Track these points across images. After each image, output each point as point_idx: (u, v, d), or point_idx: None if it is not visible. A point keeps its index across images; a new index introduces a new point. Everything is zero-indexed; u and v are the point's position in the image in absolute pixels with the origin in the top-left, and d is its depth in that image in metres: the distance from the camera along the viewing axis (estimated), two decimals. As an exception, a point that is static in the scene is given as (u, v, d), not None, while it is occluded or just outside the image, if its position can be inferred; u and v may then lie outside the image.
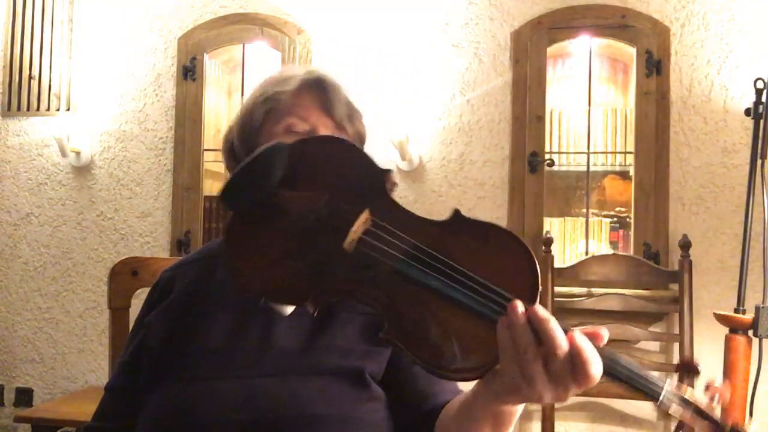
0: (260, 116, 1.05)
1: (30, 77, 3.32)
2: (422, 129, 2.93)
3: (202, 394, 0.92)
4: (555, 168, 2.96)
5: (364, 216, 0.76)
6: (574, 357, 0.64)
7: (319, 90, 1.04)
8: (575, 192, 3.10)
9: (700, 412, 0.68)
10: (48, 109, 3.30)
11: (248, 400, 0.92)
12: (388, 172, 0.80)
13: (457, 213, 0.78)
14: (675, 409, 0.67)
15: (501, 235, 0.73)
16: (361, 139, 1.10)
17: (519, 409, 0.80)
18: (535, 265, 0.70)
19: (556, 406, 2.51)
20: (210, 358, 0.95)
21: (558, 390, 0.66)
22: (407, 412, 0.97)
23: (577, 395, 2.42)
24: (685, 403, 0.68)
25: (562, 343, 0.64)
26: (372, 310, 0.73)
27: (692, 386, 0.68)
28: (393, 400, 0.98)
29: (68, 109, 3.28)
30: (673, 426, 2.70)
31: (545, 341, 0.64)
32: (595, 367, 0.65)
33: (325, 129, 1.02)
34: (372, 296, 0.73)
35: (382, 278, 0.72)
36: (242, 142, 1.08)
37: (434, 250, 0.72)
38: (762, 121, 2.10)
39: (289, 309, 0.94)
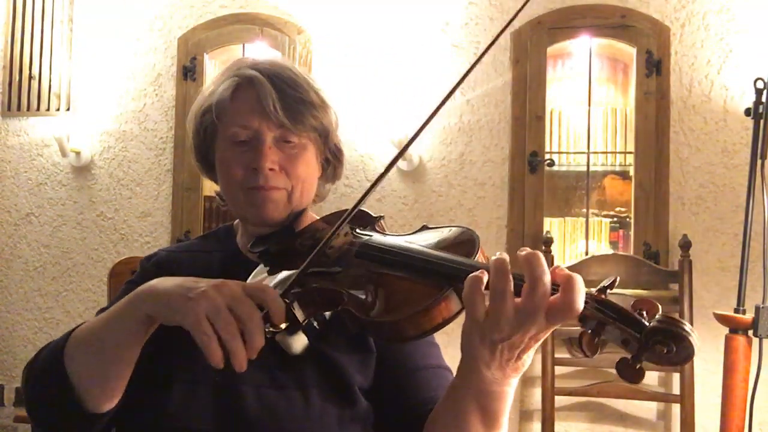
0: (204, 131, 1.03)
1: (30, 77, 3.32)
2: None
3: (181, 396, 0.90)
4: (555, 168, 2.96)
5: (345, 229, 0.92)
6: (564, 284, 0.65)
7: (253, 88, 0.98)
8: (575, 192, 3.10)
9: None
10: (48, 109, 3.30)
11: (227, 411, 0.89)
12: (379, 218, 0.96)
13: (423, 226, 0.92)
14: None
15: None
16: (319, 129, 1.02)
17: (506, 397, 0.76)
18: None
19: (556, 405, 2.51)
20: (193, 358, 0.92)
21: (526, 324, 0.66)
22: (401, 418, 0.94)
23: (577, 395, 2.39)
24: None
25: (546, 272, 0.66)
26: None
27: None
28: (389, 409, 0.95)
29: (68, 109, 3.28)
30: (676, 425, 2.70)
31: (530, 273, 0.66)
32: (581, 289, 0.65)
33: (269, 131, 0.97)
34: (349, 280, 0.82)
35: (348, 264, 0.84)
36: (199, 161, 1.07)
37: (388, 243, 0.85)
38: (762, 121, 2.10)
39: (299, 345, 0.92)
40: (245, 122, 0.98)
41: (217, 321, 0.72)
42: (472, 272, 0.70)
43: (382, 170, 0.84)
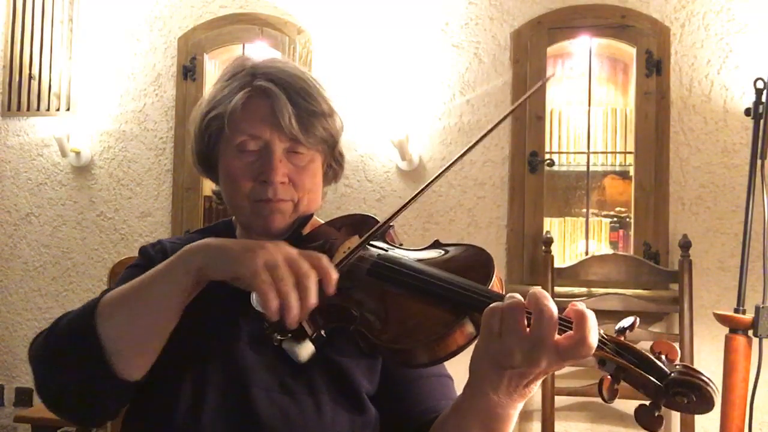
0: (209, 137, 1.00)
1: (30, 77, 3.32)
2: (422, 129, 2.93)
3: (191, 397, 0.89)
4: (555, 168, 2.96)
5: (346, 233, 0.91)
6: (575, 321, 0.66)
7: (267, 99, 0.95)
8: (575, 192, 3.10)
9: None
10: (48, 109, 3.30)
11: (237, 414, 0.88)
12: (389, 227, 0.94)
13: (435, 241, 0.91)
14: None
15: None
16: (329, 140, 1.01)
17: (510, 419, 0.77)
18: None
19: (556, 405, 2.51)
20: (202, 359, 0.91)
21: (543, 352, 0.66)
22: (403, 426, 0.93)
23: (577, 395, 2.39)
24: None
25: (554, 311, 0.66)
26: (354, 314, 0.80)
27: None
28: (391, 415, 0.95)
29: (68, 109, 3.28)
30: (676, 425, 2.70)
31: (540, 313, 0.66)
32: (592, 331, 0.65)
33: (279, 143, 0.96)
34: (356, 298, 0.81)
35: (358, 281, 0.82)
36: (200, 163, 1.05)
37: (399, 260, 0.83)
38: (762, 121, 2.10)
39: (305, 353, 0.89)
40: (256, 132, 0.96)
41: (275, 272, 0.73)
42: (489, 303, 0.70)
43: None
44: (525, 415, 2.81)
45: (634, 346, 0.65)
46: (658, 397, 0.63)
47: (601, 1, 2.83)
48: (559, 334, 0.66)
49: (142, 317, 0.82)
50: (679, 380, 0.62)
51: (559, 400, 2.56)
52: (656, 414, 0.63)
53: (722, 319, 2.05)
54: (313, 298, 0.73)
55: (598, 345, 0.65)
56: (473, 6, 2.95)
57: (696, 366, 0.63)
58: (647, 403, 0.63)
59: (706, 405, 0.62)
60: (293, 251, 0.76)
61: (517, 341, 0.66)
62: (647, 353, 0.64)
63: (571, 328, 0.65)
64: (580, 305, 0.67)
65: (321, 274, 0.76)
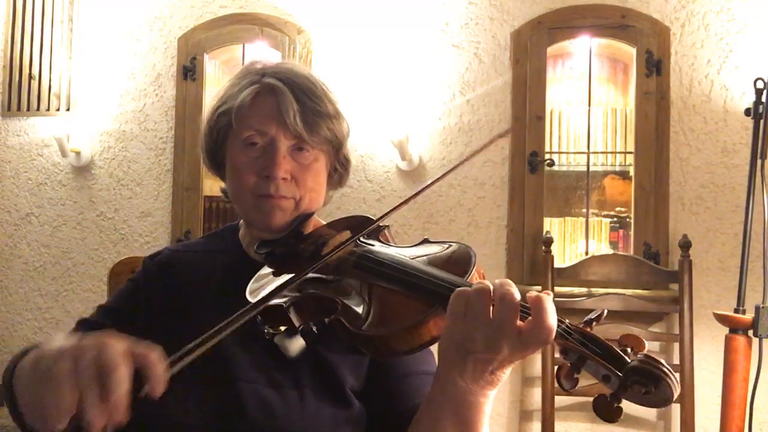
0: (217, 132, 1.03)
1: (30, 77, 3.32)
2: (422, 129, 2.93)
3: (178, 391, 0.88)
4: (555, 168, 2.96)
5: (345, 234, 0.93)
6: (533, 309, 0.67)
7: (274, 96, 0.99)
8: (575, 192, 3.10)
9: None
10: (48, 109, 3.30)
11: (223, 406, 0.90)
12: (384, 228, 0.96)
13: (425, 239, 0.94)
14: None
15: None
16: (333, 141, 1.03)
17: (482, 408, 0.76)
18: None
19: (556, 405, 2.51)
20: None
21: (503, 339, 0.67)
22: (390, 423, 0.94)
23: (577, 395, 2.39)
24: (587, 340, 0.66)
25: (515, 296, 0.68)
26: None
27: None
28: (379, 412, 0.96)
29: (68, 109, 3.28)
30: (676, 425, 2.69)
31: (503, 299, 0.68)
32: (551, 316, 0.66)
33: (284, 140, 0.98)
34: (344, 286, 0.84)
35: (345, 273, 0.85)
36: (209, 159, 1.07)
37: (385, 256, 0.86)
38: (762, 121, 2.10)
39: (296, 347, 0.88)
40: (262, 128, 0.98)
41: (78, 361, 0.63)
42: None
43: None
44: (525, 415, 2.81)
45: (598, 336, 0.66)
46: (617, 387, 0.63)
47: (601, 1, 2.83)
48: (521, 321, 0.67)
49: (34, 390, 0.82)
50: (638, 368, 0.62)
51: (559, 400, 2.56)
52: (615, 405, 0.63)
53: (722, 319, 2.05)
54: (115, 394, 0.61)
55: (563, 335, 0.66)
56: (473, 6, 2.95)
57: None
58: (607, 394, 0.64)
59: (664, 396, 0.61)
60: (119, 345, 0.64)
61: (480, 325, 0.68)
62: (611, 344, 0.65)
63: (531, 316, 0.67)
64: (534, 292, 0.68)
65: (146, 369, 0.64)
